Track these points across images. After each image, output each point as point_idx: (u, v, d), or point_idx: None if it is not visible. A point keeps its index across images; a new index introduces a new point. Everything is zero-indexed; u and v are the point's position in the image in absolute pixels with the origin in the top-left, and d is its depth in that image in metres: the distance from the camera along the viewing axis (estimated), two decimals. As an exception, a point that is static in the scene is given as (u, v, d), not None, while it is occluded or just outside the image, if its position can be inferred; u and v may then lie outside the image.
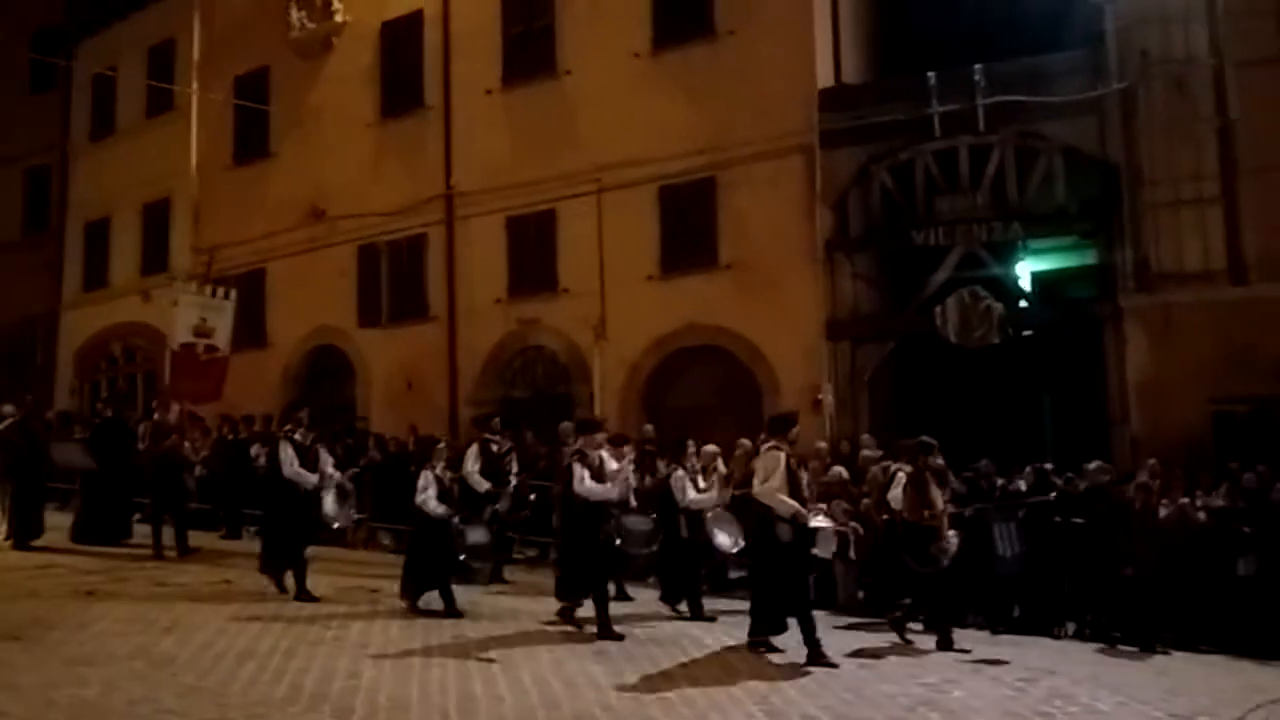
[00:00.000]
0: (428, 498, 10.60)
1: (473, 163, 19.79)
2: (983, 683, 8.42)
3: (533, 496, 13.62)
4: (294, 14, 22.03)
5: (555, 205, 18.76)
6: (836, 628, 10.62)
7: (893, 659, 9.32)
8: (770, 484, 9.00)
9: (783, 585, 9.04)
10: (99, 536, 14.35)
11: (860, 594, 12.38)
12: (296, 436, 11.23)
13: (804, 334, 16.53)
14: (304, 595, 10.92)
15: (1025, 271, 17.73)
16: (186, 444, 15.75)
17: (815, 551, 9.15)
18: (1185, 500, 11.99)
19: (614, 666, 8.34)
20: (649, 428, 15.55)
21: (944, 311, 15.52)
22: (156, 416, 15.36)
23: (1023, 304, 16.38)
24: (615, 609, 10.13)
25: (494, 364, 19.46)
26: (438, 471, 10.84)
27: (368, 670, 7.86)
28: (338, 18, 21.68)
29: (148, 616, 9.62)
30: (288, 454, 11.01)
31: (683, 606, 11.13)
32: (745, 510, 10.46)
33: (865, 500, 12.37)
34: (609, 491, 9.90)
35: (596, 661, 8.49)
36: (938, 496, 10.15)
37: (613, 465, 10.16)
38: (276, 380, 21.61)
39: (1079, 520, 11.58)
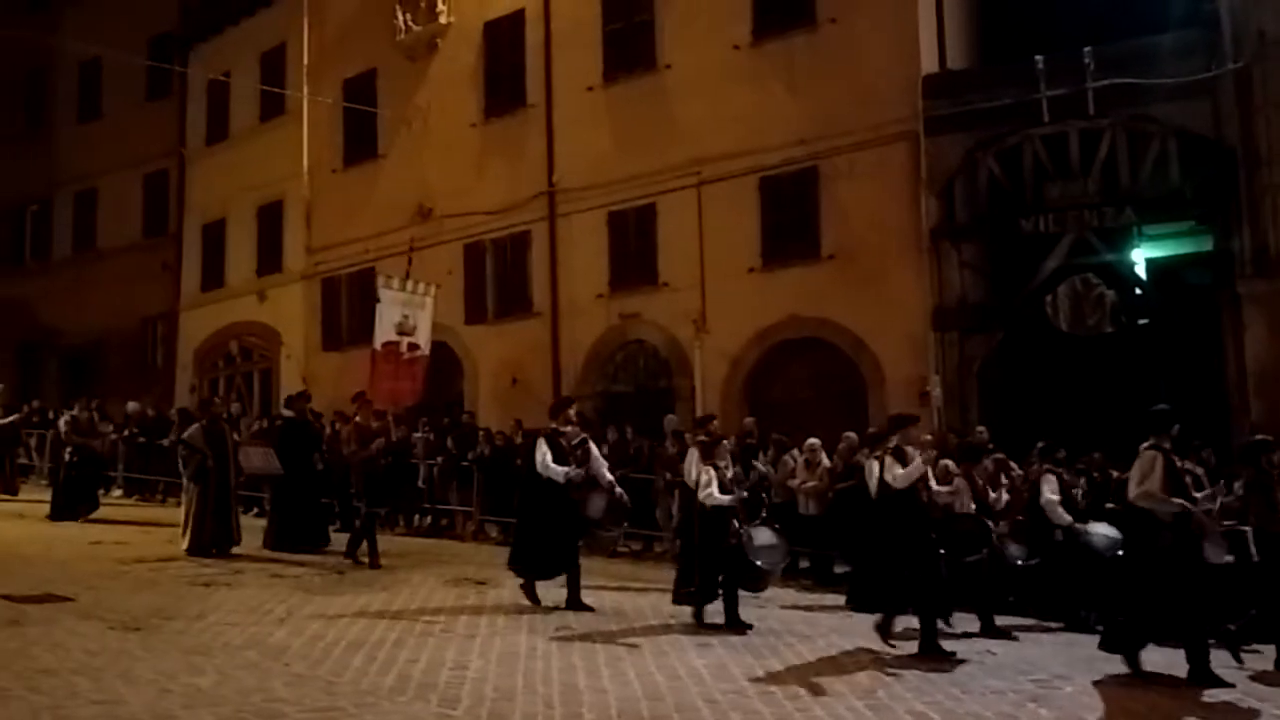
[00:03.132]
0: (712, 491, 9.77)
1: (574, 159, 19.96)
2: (1096, 678, 8.22)
3: (764, 496, 12.98)
4: (400, 16, 22.45)
5: (655, 199, 18.85)
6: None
7: (1011, 651, 9.16)
8: (1147, 486, 8.28)
9: (1165, 598, 8.14)
10: (296, 543, 13.97)
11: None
12: (567, 430, 10.60)
13: (909, 325, 16.32)
14: (577, 604, 10.25)
15: (1139, 258, 17.23)
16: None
17: (1208, 558, 8.41)
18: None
19: (716, 659, 8.34)
20: (749, 421, 15.48)
21: (1055, 300, 15.24)
22: (359, 419, 14.34)
23: (1137, 291, 15.93)
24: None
25: (596, 359, 19.61)
26: (719, 466, 10.00)
27: (475, 661, 7.95)
28: (442, 19, 22.07)
29: (263, 607, 9.83)
30: (542, 450, 10.39)
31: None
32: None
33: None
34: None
35: (700, 656, 8.48)
36: None
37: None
38: (386, 377, 21.94)
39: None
